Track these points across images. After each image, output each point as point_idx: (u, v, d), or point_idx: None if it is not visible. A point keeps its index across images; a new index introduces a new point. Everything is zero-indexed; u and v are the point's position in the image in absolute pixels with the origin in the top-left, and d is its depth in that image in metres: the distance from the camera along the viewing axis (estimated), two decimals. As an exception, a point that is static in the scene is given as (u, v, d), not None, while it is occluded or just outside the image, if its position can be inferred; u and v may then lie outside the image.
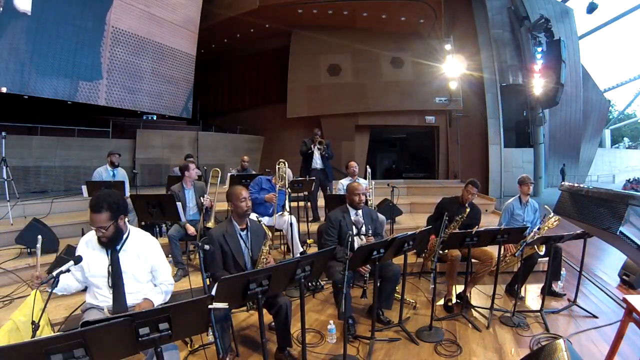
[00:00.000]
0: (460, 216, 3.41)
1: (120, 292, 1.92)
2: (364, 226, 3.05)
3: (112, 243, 1.92)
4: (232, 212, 2.57)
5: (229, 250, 2.45)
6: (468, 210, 3.43)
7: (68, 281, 1.94)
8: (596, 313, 3.10)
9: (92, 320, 1.23)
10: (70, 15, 6.60)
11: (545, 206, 3.32)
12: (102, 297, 1.94)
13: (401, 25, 10.64)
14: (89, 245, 1.95)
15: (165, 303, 1.96)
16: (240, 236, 2.52)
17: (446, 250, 3.23)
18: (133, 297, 1.96)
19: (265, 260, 2.50)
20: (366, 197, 4.31)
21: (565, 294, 3.48)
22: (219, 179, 4.08)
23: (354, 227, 3.02)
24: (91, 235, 1.97)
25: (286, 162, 4.14)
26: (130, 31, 7.58)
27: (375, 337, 2.65)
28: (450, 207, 3.55)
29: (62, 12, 6.49)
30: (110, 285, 1.91)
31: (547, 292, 3.29)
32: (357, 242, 2.96)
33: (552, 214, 3.21)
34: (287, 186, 4.00)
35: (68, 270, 1.74)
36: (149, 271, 2.04)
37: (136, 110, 8.06)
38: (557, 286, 3.58)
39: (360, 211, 3.10)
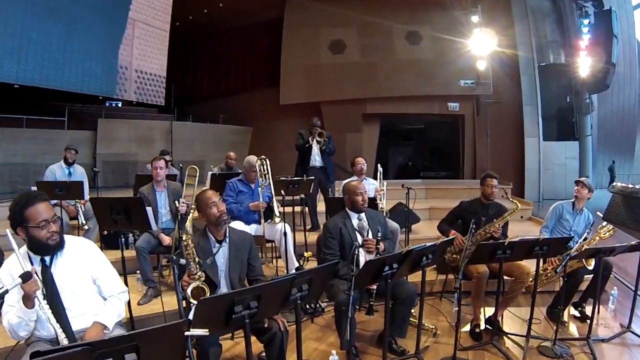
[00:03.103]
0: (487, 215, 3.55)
1: (62, 317, 1.86)
2: (370, 232, 3.05)
3: (60, 246, 1.92)
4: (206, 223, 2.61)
5: None
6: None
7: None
8: (655, 341, 3.10)
9: (43, 350, 1.23)
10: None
11: (597, 212, 3.33)
12: (42, 329, 1.89)
13: (419, -8, 10.65)
14: (13, 276, 1.74)
15: (134, 330, 1.95)
16: (217, 249, 2.53)
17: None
18: (78, 320, 1.93)
19: None
20: (376, 200, 4.33)
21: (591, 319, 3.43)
22: (197, 178, 4.07)
23: (358, 235, 3.02)
24: (10, 264, 1.86)
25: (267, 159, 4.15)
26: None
27: (386, 370, 2.65)
28: (473, 209, 3.62)
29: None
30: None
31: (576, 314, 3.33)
32: (364, 256, 2.96)
33: (605, 222, 3.20)
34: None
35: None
36: (92, 281, 2.02)
37: (98, 96, 8.09)
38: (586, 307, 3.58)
39: (363, 214, 3.11)
